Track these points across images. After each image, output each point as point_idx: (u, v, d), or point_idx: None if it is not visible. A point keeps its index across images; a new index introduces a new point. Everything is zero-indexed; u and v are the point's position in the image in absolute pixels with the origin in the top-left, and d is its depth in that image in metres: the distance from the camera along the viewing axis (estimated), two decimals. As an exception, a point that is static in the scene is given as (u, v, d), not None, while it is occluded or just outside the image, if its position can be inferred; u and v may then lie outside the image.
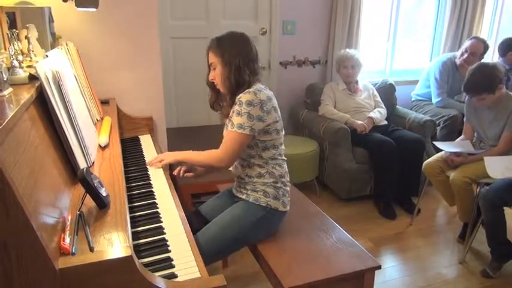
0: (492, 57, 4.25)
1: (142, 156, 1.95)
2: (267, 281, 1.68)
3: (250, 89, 1.60)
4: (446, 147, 2.62)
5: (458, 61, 3.51)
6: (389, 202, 3.02)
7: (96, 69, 2.19)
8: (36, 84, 1.32)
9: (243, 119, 1.57)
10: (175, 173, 1.79)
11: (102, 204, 1.19)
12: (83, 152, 1.42)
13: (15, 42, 1.60)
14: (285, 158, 1.76)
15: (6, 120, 0.96)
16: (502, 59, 3.66)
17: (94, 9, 1.94)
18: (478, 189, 2.45)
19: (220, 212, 1.72)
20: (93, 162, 1.50)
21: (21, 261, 0.89)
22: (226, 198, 1.84)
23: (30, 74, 1.42)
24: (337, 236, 1.75)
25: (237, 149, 1.62)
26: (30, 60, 1.66)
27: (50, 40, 1.95)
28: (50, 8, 1.97)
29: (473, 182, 2.44)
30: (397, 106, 3.64)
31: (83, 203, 1.18)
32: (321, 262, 1.58)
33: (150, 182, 1.69)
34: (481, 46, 3.42)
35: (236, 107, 1.60)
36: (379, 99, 3.36)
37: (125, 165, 1.78)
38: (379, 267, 1.59)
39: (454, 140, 2.79)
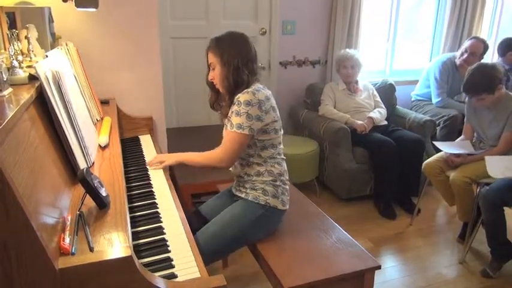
0: (492, 57, 4.25)
1: (142, 156, 1.95)
2: (267, 281, 1.68)
3: (249, 89, 1.60)
4: (446, 148, 2.62)
5: (458, 61, 3.51)
6: (390, 202, 3.02)
7: (96, 69, 2.19)
8: (36, 85, 1.32)
9: (242, 119, 1.58)
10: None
11: (102, 204, 1.19)
12: (83, 152, 1.42)
13: (15, 43, 1.60)
14: (284, 157, 1.77)
15: (6, 120, 0.96)
16: (501, 59, 3.66)
17: (94, 9, 1.94)
18: (478, 189, 2.45)
19: (220, 212, 1.72)
20: (93, 163, 1.50)
21: (21, 261, 0.89)
22: (226, 198, 1.84)
23: (30, 74, 1.42)
24: (337, 236, 1.75)
25: (236, 149, 1.63)
26: (30, 61, 1.66)
27: (50, 40, 1.95)
28: (49, 8, 1.97)
29: (473, 182, 2.44)
30: (397, 106, 3.64)
31: (82, 203, 1.18)
32: (321, 262, 1.58)
33: (150, 182, 1.69)
34: (481, 46, 3.42)
35: (235, 107, 1.60)
36: (379, 99, 3.36)
37: (125, 165, 1.78)
38: (379, 267, 1.59)
39: (454, 140, 2.80)
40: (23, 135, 1.07)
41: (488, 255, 2.37)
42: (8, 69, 1.38)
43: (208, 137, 2.08)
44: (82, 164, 1.36)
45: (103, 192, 1.21)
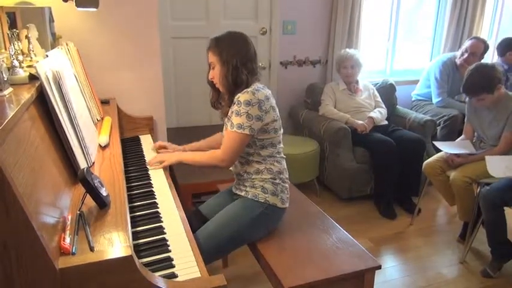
0: (492, 57, 4.25)
1: (143, 156, 1.95)
2: (267, 281, 1.68)
3: (249, 89, 1.61)
4: (447, 148, 2.61)
5: (458, 61, 3.51)
6: (390, 202, 3.02)
7: (97, 69, 2.19)
8: (37, 84, 1.32)
9: (242, 119, 1.58)
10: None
11: (102, 204, 1.19)
12: (83, 151, 1.42)
13: (16, 42, 1.60)
14: (284, 156, 1.77)
15: (7, 120, 0.96)
16: (500, 59, 3.66)
17: (94, 9, 1.94)
18: (478, 189, 2.45)
19: (220, 211, 1.72)
20: (94, 162, 1.50)
21: (21, 261, 0.88)
22: (226, 197, 1.84)
23: (30, 73, 1.41)
24: (337, 235, 1.75)
25: (237, 149, 1.63)
26: (30, 60, 1.66)
27: (50, 40, 1.95)
28: (50, 8, 1.97)
29: (473, 181, 2.44)
30: (397, 106, 3.64)
31: (83, 202, 1.18)
32: (321, 262, 1.58)
33: (150, 181, 1.69)
34: (481, 46, 3.42)
35: (235, 107, 1.60)
36: (379, 99, 3.36)
37: (125, 165, 1.78)
38: (379, 267, 1.59)
39: (454, 140, 2.80)
40: (24, 135, 1.07)
41: (489, 255, 2.37)
42: (9, 69, 1.38)
43: (209, 136, 2.08)
44: (82, 164, 1.36)
45: (103, 192, 1.21)
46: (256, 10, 3.46)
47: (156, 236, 1.31)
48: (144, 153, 1.99)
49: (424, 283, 2.28)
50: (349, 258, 1.60)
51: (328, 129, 3.09)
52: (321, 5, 3.58)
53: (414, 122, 3.34)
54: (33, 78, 1.40)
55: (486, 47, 3.45)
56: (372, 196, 3.14)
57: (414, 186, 3.07)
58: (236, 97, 1.61)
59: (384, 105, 3.33)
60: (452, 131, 3.35)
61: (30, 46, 1.70)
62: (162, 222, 1.39)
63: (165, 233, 1.33)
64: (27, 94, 1.22)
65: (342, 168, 3.07)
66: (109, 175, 1.43)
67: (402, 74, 4.16)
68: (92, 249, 1.00)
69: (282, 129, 1.73)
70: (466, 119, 2.74)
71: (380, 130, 3.15)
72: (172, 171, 2.49)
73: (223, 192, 1.91)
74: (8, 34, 1.60)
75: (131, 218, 1.35)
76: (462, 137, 2.75)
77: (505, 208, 2.23)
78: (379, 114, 3.21)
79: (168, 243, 1.28)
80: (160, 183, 1.68)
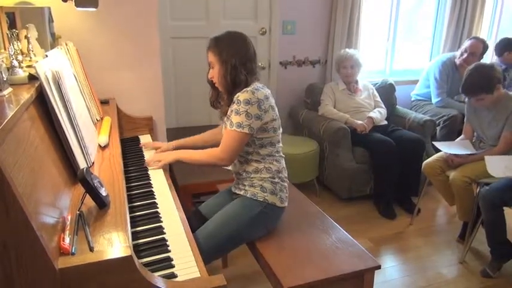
0: (492, 57, 4.25)
1: (142, 156, 1.95)
2: (267, 281, 1.68)
3: (248, 88, 1.61)
4: (446, 148, 2.62)
5: (457, 61, 3.51)
6: (389, 202, 3.02)
7: (96, 69, 2.19)
8: (36, 84, 1.31)
9: (242, 117, 1.58)
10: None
11: (102, 204, 1.19)
12: (82, 151, 1.42)
13: (15, 42, 1.60)
14: (283, 155, 1.77)
15: (6, 120, 0.96)
16: (498, 59, 3.66)
17: (94, 9, 1.94)
18: (477, 189, 2.45)
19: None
20: (93, 162, 1.50)
21: (21, 261, 0.88)
22: (225, 197, 1.84)
23: (30, 74, 1.41)
24: (337, 235, 1.75)
25: (236, 148, 1.63)
26: (29, 60, 1.66)
27: (50, 40, 1.95)
28: (49, 8, 1.97)
29: (473, 181, 2.44)
30: (397, 106, 3.65)
31: (82, 202, 1.18)
32: (320, 262, 1.58)
33: (150, 181, 1.69)
34: (481, 46, 3.42)
35: (234, 106, 1.61)
36: (379, 99, 3.36)
37: (125, 165, 1.78)
38: (379, 267, 1.59)
39: (454, 140, 2.80)
40: (23, 135, 1.07)
41: (488, 255, 2.37)
42: (8, 69, 1.38)
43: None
44: (82, 164, 1.36)
45: (103, 192, 1.21)
46: (256, 10, 3.46)
47: (155, 236, 1.31)
48: (143, 153, 1.99)
49: (423, 283, 2.28)
50: (348, 258, 1.60)
51: (327, 129, 3.09)
52: (320, 5, 3.58)
53: (414, 122, 3.34)
54: (33, 78, 1.40)
55: (485, 47, 3.45)
56: (371, 196, 3.14)
57: (414, 186, 3.07)
58: (236, 96, 1.61)
59: (383, 105, 3.33)
60: (452, 131, 3.35)
61: (30, 46, 1.70)
62: (161, 222, 1.39)
63: (164, 233, 1.33)
64: (26, 94, 1.22)
65: (341, 168, 3.07)
66: (108, 175, 1.43)
67: (402, 74, 4.16)
68: (91, 249, 1.00)
69: (281, 129, 1.73)
70: (465, 119, 2.74)
71: (379, 130, 3.15)
72: (172, 172, 2.50)
73: (223, 192, 1.91)
74: (7, 34, 1.60)
75: (131, 218, 1.34)
76: (462, 136, 2.75)
77: (504, 208, 2.23)
78: (378, 114, 3.21)
79: (167, 243, 1.28)
80: (160, 183, 1.68)
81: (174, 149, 1.94)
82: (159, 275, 1.08)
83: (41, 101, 1.29)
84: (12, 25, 1.71)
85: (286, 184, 1.77)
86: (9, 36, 1.58)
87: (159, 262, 1.18)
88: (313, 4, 3.55)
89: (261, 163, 1.70)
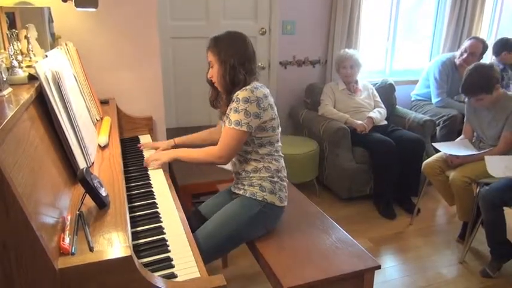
0: (492, 57, 4.25)
1: (142, 156, 1.95)
2: (267, 281, 1.68)
3: (248, 86, 1.62)
4: (446, 149, 2.61)
5: (457, 61, 3.51)
6: (389, 202, 3.02)
7: (96, 69, 2.19)
8: (36, 85, 1.31)
9: (240, 115, 1.58)
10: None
11: (101, 204, 1.19)
12: (82, 152, 1.42)
13: (15, 42, 1.60)
14: (282, 154, 1.77)
15: (6, 120, 0.96)
16: (496, 59, 3.66)
17: (93, 9, 1.93)
18: (477, 189, 2.45)
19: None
20: (93, 162, 1.50)
21: (21, 261, 0.88)
22: (225, 197, 1.84)
23: (29, 74, 1.42)
24: (336, 236, 1.75)
25: (234, 146, 1.63)
26: (29, 60, 1.66)
27: (50, 40, 1.95)
28: (49, 8, 1.97)
29: (472, 181, 2.44)
30: (396, 106, 3.65)
31: (82, 202, 1.18)
32: (320, 262, 1.58)
33: (150, 182, 1.69)
34: (480, 46, 3.43)
35: (233, 104, 1.61)
36: (378, 99, 3.36)
37: (125, 165, 1.78)
38: (378, 267, 1.59)
39: (454, 140, 2.80)
40: (23, 135, 1.07)
41: (488, 255, 2.37)
42: (8, 69, 1.38)
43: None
44: (82, 164, 1.36)
45: (103, 192, 1.21)
46: (256, 10, 3.46)
47: (155, 236, 1.31)
48: (143, 153, 1.99)
49: (423, 283, 2.28)
50: (348, 258, 1.60)
51: (327, 129, 3.09)
52: (320, 5, 3.58)
53: (413, 122, 3.34)
54: (33, 78, 1.40)
55: (485, 47, 3.45)
56: (371, 196, 3.14)
57: (413, 186, 3.07)
58: (235, 94, 1.62)
59: (383, 105, 3.33)
60: (452, 131, 3.35)
61: (30, 46, 1.70)
62: (161, 222, 1.39)
63: (164, 233, 1.33)
64: (26, 94, 1.22)
65: (341, 168, 3.07)
66: (108, 175, 1.43)
67: (401, 74, 4.16)
68: (91, 249, 1.00)
69: (280, 128, 1.74)
70: (465, 119, 2.74)
71: (379, 130, 3.15)
72: (172, 172, 2.50)
73: (223, 191, 1.91)
74: (7, 34, 1.60)
75: (131, 218, 1.34)
76: (461, 137, 2.75)
77: (504, 208, 2.23)
78: (378, 114, 3.21)
79: (167, 243, 1.28)
80: (159, 184, 1.68)
81: (174, 146, 1.94)
82: (159, 275, 1.08)
83: (41, 101, 1.29)
84: (12, 25, 1.71)
85: (285, 183, 1.77)
86: (9, 36, 1.58)
87: (159, 262, 1.18)
88: (313, 4, 3.55)
89: (260, 162, 1.70)
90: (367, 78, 3.53)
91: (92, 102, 1.92)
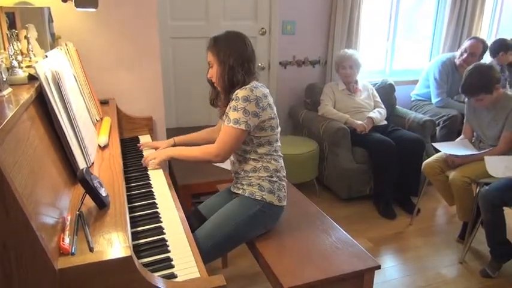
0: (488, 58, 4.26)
1: (142, 157, 1.94)
2: (267, 281, 1.68)
3: (247, 86, 1.62)
4: (446, 149, 2.62)
5: (457, 61, 3.51)
6: (389, 202, 3.02)
7: (96, 70, 2.19)
8: (36, 85, 1.32)
9: (239, 114, 1.59)
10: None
11: (101, 204, 1.19)
12: (82, 152, 1.42)
13: (15, 43, 1.60)
14: (281, 154, 1.78)
15: (6, 121, 0.96)
16: (493, 60, 3.66)
17: (93, 10, 1.94)
18: (477, 189, 2.45)
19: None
20: (93, 163, 1.50)
21: (21, 261, 0.88)
22: (224, 197, 1.85)
23: (29, 74, 1.42)
24: (336, 236, 1.75)
25: (232, 144, 1.64)
26: (29, 61, 1.66)
27: (50, 40, 1.95)
28: (49, 8, 1.97)
29: (472, 181, 2.44)
30: (396, 106, 3.65)
31: (82, 203, 1.18)
32: (320, 262, 1.58)
33: (150, 182, 1.69)
34: (480, 46, 3.43)
35: (233, 103, 1.62)
36: (378, 99, 3.36)
37: (125, 166, 1.78)
38: (378, 267, 1.59)
39: (454, 140, 2.80)
40: (23, 135, 1.07)
41: (488, 255, 2.37)
42: (8, 69, 1.38)
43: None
44: (82, 164, 1.36)
45: (103, 192, 1.21)
46: (256, 10, 3.46)
47: (155, 236, 1.31)
48: (143, 153, 1.99)
49: (423, 283, 2.28)
50: (348, 258, 1.60)
51: (327, 129, 3.09)
52: (320, 5, 3.58)
53: (413, 122, 3.34)
54: (33, 78, 1.40)
55: (485, 47, 3.45)
56: (371, 196, 3.14)
57: (413, 186, 3.07)
58: (235, 93, 1.62)
59: (383, 105, 3.33)
60: (452, 131, 3.35)
61: (30, 46, 1.70)
62: (161, 222, 1.40)
63: (164, 233, 1.33)
64: (26, 94, 1.22)
65: (341, 168, 3.07)
66: (108, 175, 1.43)
67: (401, 74, 4.16)
68: (91, 249, 1.00)
69: (279, 128, 1.74)
70: (465, 119, 2.74)
71: (379, 130, 3.15)
72: (172, 172, 2.50)
73: (222, 191, 1.91)
74: (7, 34, 1.60)
75: (131, 218, 1.35)
76: (461, 137, 2.75)
77: (504, 208, 2.23)
78: (378, 114, 3.21)
79: (167, 243, 1.28)
80: (159, 184, 1.68)
81: (174, 145, 1.94)
82: (159, 275, 1.08)
83: (41, 101, 1.30)
84: (12, 25, 1.71)
85: (284, 183, 1.77)
86: (9, 36, 1.58)
87: (159, 262, 1.18)
88: (313, 4, 3.55)
89: (259, 162, 1.70)
90: (367, 78, 3.53)
91: (92, 103, 1.92)
